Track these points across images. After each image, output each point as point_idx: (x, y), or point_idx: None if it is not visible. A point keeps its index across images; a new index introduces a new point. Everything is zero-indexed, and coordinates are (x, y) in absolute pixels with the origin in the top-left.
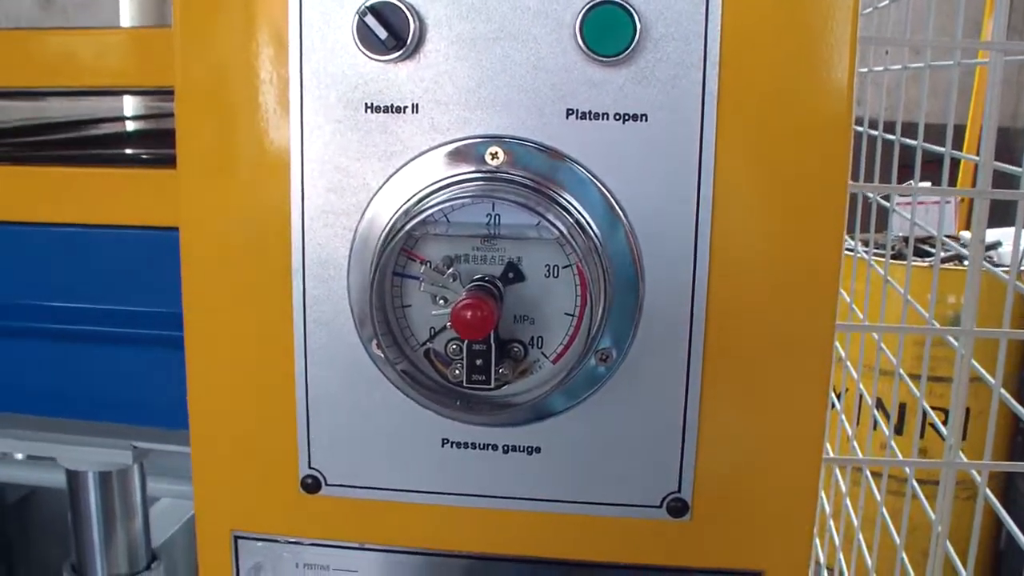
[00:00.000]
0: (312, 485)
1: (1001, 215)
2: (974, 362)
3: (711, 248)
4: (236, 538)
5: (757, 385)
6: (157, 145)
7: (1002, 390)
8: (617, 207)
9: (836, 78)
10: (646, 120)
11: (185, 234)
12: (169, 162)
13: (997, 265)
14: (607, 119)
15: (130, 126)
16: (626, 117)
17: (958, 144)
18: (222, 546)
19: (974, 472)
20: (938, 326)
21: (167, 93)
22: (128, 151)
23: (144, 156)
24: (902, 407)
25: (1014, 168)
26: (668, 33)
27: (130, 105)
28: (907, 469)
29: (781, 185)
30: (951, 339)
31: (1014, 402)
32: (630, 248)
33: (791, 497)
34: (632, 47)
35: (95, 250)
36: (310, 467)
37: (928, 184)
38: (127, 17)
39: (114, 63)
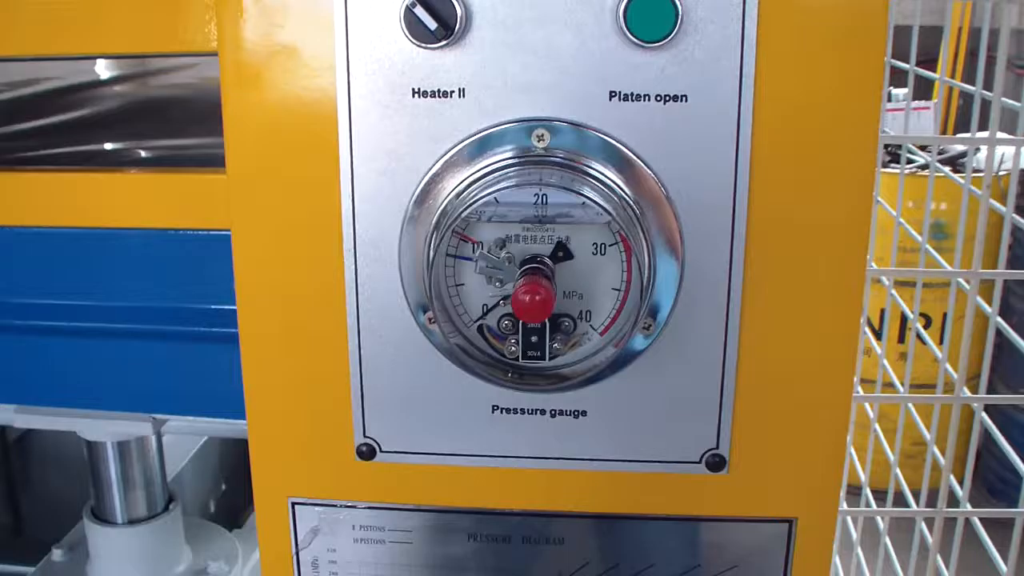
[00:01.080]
0: (367, 453)
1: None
2: (979, 299)
3: (748, 220)
4: (293, 504)
5: (790, 348)
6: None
7: (999, 319)
8: (659, 184)
9: (867, 59)
10: (686, 100)
11: (237, 217)
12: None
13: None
14: (649, 100)
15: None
16: (667, 98)
17: (934, 49)
18: (280, 513)
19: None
20: (930, 269)
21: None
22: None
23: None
24: (881, 312)
25: (1015, 103)
26: (707, 17)
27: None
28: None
29: (816, 159)
30: (942, 262)
31: (1012, 332)
32: (672, 223)
33: (820, 450)
34: (674, 32)
35: (121, 250)
36: (365, 436)
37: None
38: None
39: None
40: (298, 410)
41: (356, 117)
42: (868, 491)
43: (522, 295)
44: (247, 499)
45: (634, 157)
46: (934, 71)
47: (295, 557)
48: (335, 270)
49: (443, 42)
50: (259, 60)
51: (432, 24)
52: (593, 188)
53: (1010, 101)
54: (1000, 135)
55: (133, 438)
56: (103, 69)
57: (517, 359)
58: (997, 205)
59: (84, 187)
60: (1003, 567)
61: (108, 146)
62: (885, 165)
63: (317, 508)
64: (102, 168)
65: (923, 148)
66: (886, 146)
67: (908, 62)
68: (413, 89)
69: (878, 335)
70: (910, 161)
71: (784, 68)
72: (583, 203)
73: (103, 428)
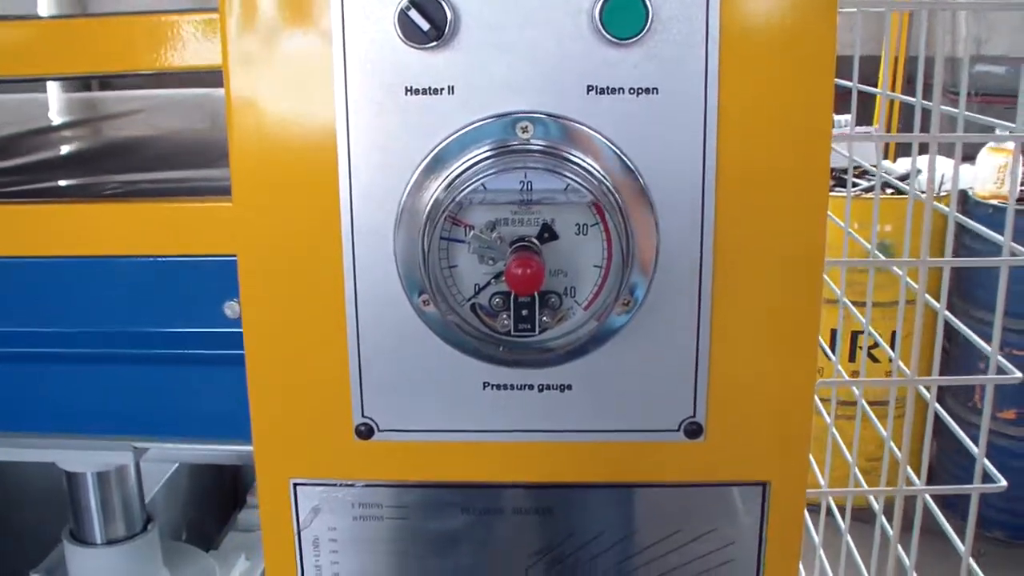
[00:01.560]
0: (366, 432)
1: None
2: (921, 289)
3: (716, 203)
4: (295, 485)
5: (759, 320)
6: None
7: (947, 313)
8: (635, 170)
9: (820, 48)
10: (657, 93)
11: (240, 210)
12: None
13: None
14: (623, 93)
15: None
16: (639, 91)
17: (869, 76)
18: (282, 493)
19: (922, 388)
20: (882, 257)
21: None
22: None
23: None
24: (833, 333)
25: (951, 110)
26: (674, 15)
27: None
28: (855, 389)
29: (776, 142)
30: (896, 269)
31: (960, 324)
32: (647, 205)
33: (790, 416)
34: (645, 30)
35: (99, 277)
36: (363, 416)
37: (851, 119)
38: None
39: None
40: (299, 394)
41: (353, 115)
42: (831, 499)
43: (515, 268)
44: (220, 523)
45: (610, 145)
46: (874, 96)
47: (297, 537)
48: (335, 259)
49: (434, 43)
50: (261, 69)
51: (425, 25)
52: (574, 172)
53: (949, 110)
54: (940, 159)
55: (113, 467)
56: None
57: (509, 332)
58: (941, 207)
59: (59, 217)
60: (960, 545)
61: (82, 180)
62: (831, 189)
63: (318, 488)
64: (75, 200)
65: (865, 173)
66: (832, 170)
67: (849, 88)
68: (406, 88)
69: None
70: (855, 184)
71: (744, 63)
72: (566, 187)
73: (83, 459)
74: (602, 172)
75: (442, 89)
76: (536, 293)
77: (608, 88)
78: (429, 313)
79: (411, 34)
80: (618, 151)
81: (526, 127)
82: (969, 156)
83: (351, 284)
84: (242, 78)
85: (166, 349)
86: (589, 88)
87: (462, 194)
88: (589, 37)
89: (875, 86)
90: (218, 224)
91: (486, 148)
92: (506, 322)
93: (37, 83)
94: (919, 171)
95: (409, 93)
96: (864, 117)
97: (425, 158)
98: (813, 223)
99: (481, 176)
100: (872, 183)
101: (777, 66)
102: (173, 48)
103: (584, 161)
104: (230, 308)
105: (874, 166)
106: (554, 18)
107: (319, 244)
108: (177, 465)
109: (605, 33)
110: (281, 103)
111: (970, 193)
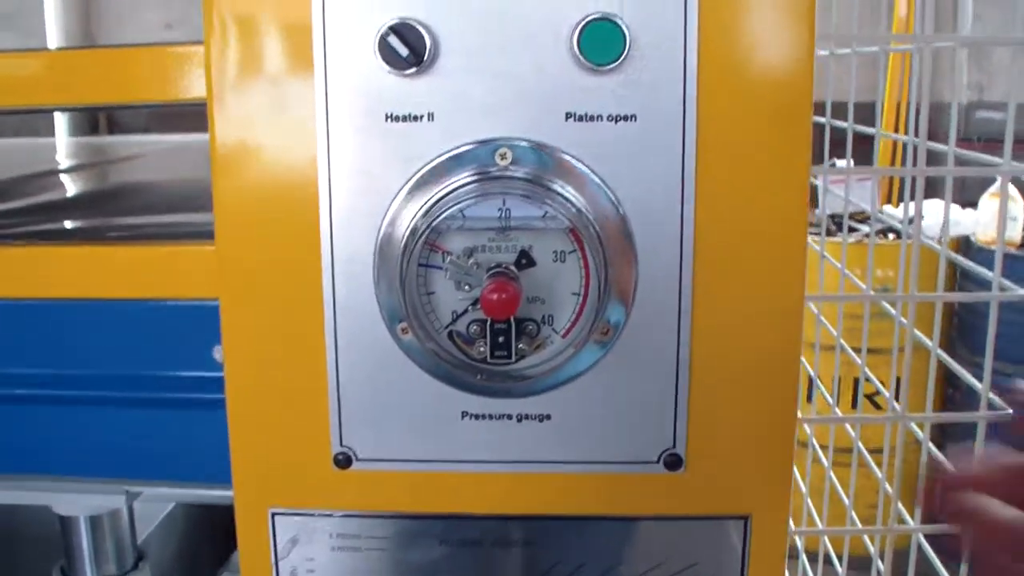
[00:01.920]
0: (344, 461)
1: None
2: (916, 330)
3: (695, 230)
4: (273, 515)
5: (739, 352)
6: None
7: (940, 351)
8: (613, 197)
9: (797, 79)
10: (635, 120)
11: (220, 233)
12: None
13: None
14: (601, 120)
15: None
16: (618, 118)
17: (869, 123)
18: (260, 523)
19: (914, 426)
20: (874, 294)
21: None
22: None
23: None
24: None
25: (942, 146)
26: (652, 43)
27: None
28: (849, 430)
29: (753, 170)
30: (886, 305)
31: (951, 361)
32: (625, 233)
33: (772, 448)
34: (622, 57)
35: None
36: (342, 445)
37: (847, 163)
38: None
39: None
40: (278, 423)
41: (334, 141)
42: (829, 545)
43: (489, 293)
44: (216, 564)
45: (589, 172)
46: (870, 143)
47: (275, 567)
48: (314, 288)
49: (413, 68)
50: (243, 96)
51: (404, 51)
52: (552, 200)
53: (936, 146)
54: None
55: (106, 511)
56: (74, 155)
57: (485, 359)
58: (931, 243)
59: (53, 260)
60: None
61: (75, 224)
62: (831, 234)
63: (296, 518)
64: (69, 242)
65: (864, 220)
66: (830, 215)
67: (845, 141)
68: (386, 114)
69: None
70: (855, 230)
71: (723, 91)
72: (544, 214)
73: (76, 502)
74: (581, 199)
75: (422, 116)
76: (512, 319)
77: (587, 115)
78: (407, 341)
79: (391, 60)
80: (597, 178)
81: (505, 153)
82: (971, 202)
83: (331, 313)
84: (225, 106)
85: (158, 393)
86: (568, 115)
87: (439, 220)
88: (568, 63)
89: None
90: (203, 267)
91: (465, 174)
92: (482, 349)
93: (42, 126)
94: (922, 217)
95: (390, 120)
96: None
97: (405, 184)
98: (793, 252)
99: (460, 202)
100: (878, 228)
101: (756, 94)
102: (177, 80)
103: (563, 188)
104: (219, 352)
105: (878, 212)
106: (533, 44)
107: (299, 273)
108: (173, 505)
109: (583, 59)
110: (263, 129)
111: (972, 239)
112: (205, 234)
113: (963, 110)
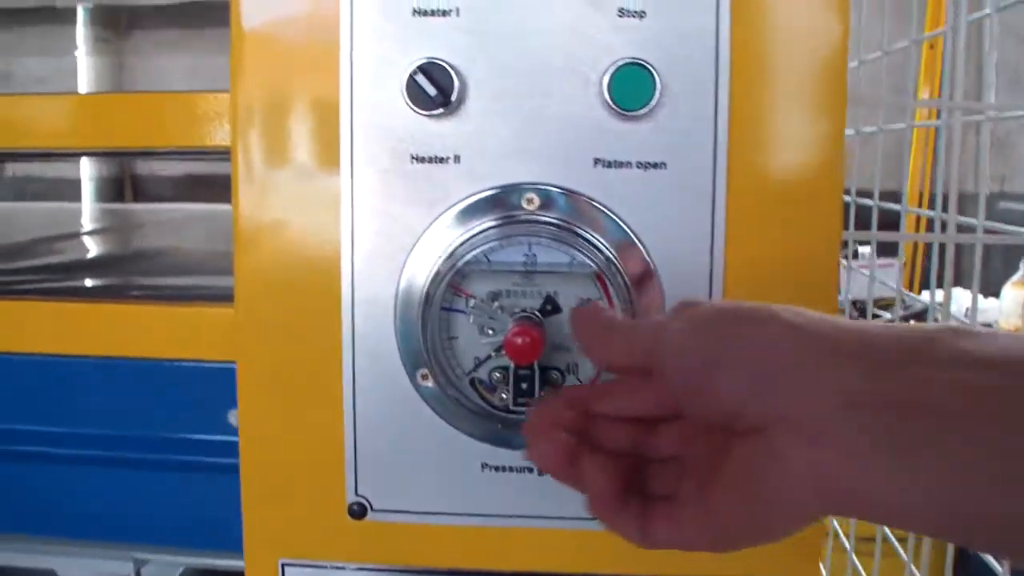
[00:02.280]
0: (359, 511)
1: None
2: None
3: (724, 281)
4: (283, 565)
5: None
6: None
7: None
8: (641, 245)
9: (829, 131)
10: (665, 167)
11: (240, 272)
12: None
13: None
14: (630, 167)
15: None
16: (647, 165)
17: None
18: (269, 574)
19: None
20: None
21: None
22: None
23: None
24: None
25: (971, 220)
26: (684, 90)
27: None
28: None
29: (785, 223)
30: None
31: None
32: (653, 282)
33: None
34: (653, 103)
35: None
36: (357, 494)
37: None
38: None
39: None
40: (292, 470)
41: (358, 181)
42: None
43: (514, 336)
44: None
45: (617, 219)
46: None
47: None
48: (334, 331)
49: (441, 109)
50: (267, 141)
51: (432, 91)
52: (579, 246)
53: (967, 219)
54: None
55: None
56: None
57: (507, 406)
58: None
59: (67, 315)
60: None
61: (93, 282)
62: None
63: (307, 570)
64: (83, 299)
65: (888, 306)
66: (853, 303)
67: (870, 227)
68: (412, 155)
69: None
70: (877, 316)
71: (755, 140)
72: (570, 260)
73: (83, 567)
74: (608, 247)
75: (448, 158)
76: (536, 366)
77: (615, 161)
78: (428, 389)
79: (419, 100)
80: (625, 226)
81: (531, 199)
82: (994, 292)
83: (349, 358)
84: (251, 178)
85: (170, 455)
86: (596, 161)
87: (463, 263)
88: (597, 109)
89: (897, 222)
90: (219, 329)
91: (491, 218)
92: (504, 396)
93: (68, 191)
94: (948, 304)
95: (415, 161)
96: (890, 251)
97: (429, 226)
98: (824, 308)
99: (485, 246)
100: (904, 314)
101: (788, 143)
102: (205, 126)
103: (591, 235)
104: (234, 416)
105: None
106: (562, 89)
107: (317, 311)
108: (181, 569)
109: (613, 105)
110: (286, 173)
111: (994, 327)
112: (224, 297)
113: (986, 200)
